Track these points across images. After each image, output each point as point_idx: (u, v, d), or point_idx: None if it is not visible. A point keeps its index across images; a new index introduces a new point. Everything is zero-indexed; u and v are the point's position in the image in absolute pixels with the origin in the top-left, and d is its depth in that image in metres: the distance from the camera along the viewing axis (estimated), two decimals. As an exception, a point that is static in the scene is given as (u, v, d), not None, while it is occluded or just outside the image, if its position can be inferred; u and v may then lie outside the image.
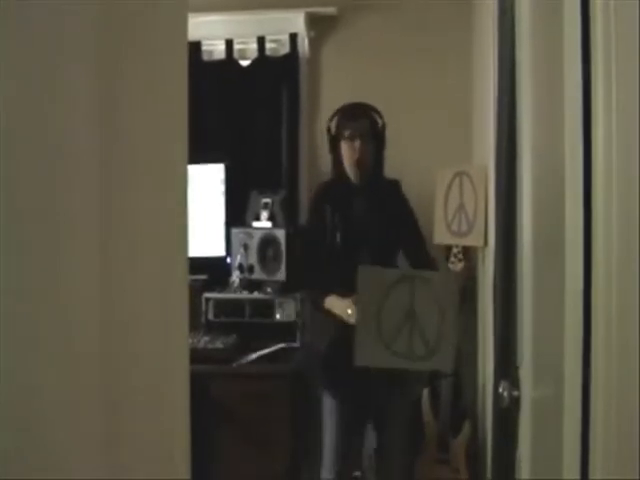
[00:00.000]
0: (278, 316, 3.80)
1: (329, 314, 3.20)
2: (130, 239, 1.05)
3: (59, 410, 0.91)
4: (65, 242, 0.91)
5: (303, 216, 4.15)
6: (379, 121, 3.33)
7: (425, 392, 3.71)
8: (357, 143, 3.23)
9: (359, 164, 3.25)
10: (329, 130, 3.34)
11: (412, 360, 3.00)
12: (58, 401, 0.91)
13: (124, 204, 1.03)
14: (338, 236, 3.23)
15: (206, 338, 3.69)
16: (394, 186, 3.43)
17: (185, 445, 1.20)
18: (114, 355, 1.00)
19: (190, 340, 3.37)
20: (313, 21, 4.17)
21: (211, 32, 4.21)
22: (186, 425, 1.20)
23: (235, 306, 3.83)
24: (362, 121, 3.28)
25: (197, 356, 3.18)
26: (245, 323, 3.82)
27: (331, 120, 3.35)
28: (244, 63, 4.28)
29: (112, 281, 0.99)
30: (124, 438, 1.03)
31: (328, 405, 3.28)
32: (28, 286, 0.85)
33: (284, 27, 4.22)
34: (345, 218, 3.26)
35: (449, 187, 3.74)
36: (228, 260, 4.00)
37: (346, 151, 3.26)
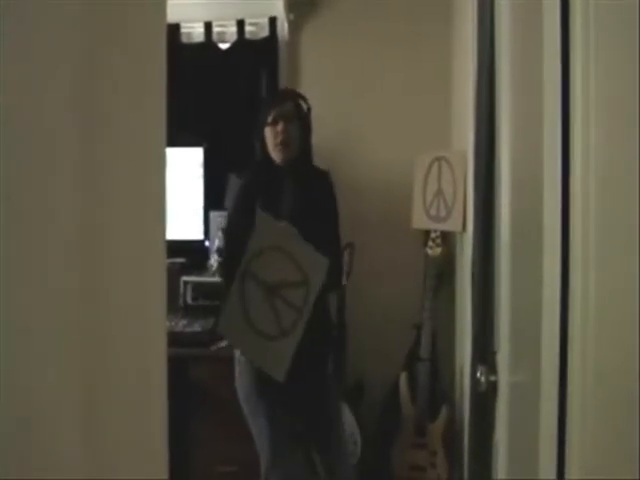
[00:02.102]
0: (256, 300, 3.79)
1: None
2: (108, 221, 1.05)
3: (44, 408, 0.90)
4: (43, 227, 0.91)
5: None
6: (304, 105, 3.23)
7: (403, 376, 3.73)
8: (280, 126, 3.11)
9: (282, 145, 3.12)
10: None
11: (283, 335, 2.94)
12: (42, 399, 0.90)
13: (102, 187, 1.02)
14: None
15: (184, 321, 3.69)
16: (323, 176, 3.28)
17: (165, 444, 1.20)
18: (92, 342, 1.00)
19: (168, 323, 3.37)
20: (293, 4, 4.14)
21: (190, 14, 4.18)
22: (165, 424, 1.20)
23: (213, 289, 3.82)
24: (285, 105, 3.18)
25: (175, 339, 3.22)
26: (223, 307, 3.81)
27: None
28: (223, 46, 4.26)
29: (91, 266, 0.99)
30: (104, 438, 1.03)
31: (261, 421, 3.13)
32: (10, 272, 0.84)
33: (263, 10, 4.20)
34: (268, 204, 3.04)
35: (428, 172, 3.75)
36: (206, 243, 4.00)
37: (269, 135, 3.15)
